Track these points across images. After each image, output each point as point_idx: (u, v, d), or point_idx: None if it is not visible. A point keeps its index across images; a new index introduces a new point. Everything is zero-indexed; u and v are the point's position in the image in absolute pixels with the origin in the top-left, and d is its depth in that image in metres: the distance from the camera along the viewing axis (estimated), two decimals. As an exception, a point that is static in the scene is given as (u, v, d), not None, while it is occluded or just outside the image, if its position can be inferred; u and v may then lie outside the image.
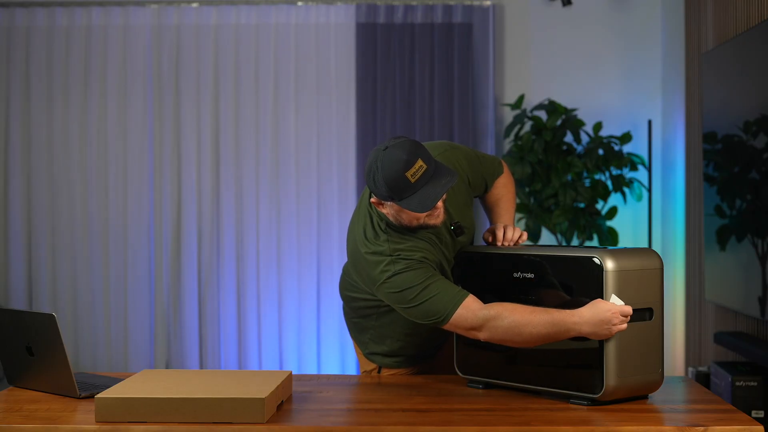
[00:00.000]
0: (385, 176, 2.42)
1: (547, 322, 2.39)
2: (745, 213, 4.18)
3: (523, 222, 5.43)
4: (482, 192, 2.89)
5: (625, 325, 2.34)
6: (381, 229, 2.60)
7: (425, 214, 2.51)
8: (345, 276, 2.93)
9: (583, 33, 5.72)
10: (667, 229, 5.56)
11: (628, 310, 2.34)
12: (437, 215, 2.55)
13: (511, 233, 2.72)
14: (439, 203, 2.53)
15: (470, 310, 2.48)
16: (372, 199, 2.55)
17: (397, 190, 2.43)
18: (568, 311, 2.37)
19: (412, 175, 2.41)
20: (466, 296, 2.50)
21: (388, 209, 2.53)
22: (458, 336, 2.70)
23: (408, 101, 5.67)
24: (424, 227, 2.57)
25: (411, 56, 5.66)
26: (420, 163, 2.41)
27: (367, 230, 2.62)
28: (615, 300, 2.35)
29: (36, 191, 5.72)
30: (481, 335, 2.48)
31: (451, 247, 2.71)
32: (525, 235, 2.74)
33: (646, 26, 5.69)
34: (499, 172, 2.91)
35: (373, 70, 5.66)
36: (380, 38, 5.65)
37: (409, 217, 2.52)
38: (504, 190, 2.91)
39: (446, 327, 2.51)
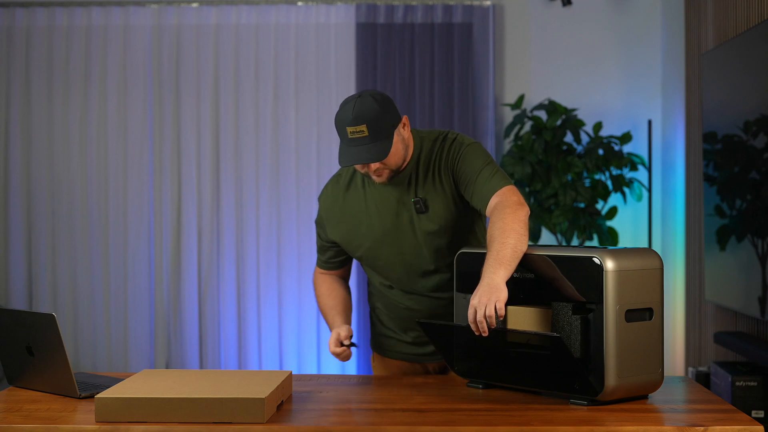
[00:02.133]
0: (336, 118, 2.66)
1: (324, 315, 2.98)
2: (745, 213, 4.18)
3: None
4: (474, 207, 2.79)
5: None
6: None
7: (363, 167, 2.69)
8: None
9: (583, 33, 5.72)
10: (667, 229, 5.56)
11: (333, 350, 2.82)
12: (378, 174, 2.70)
13: (482, 312, 2.36)
14: (376, 168, 2.67)
15: (316, 273, 3.06)
16: None
17: (339, 134, 2.66)
18: (335, 322, 2.93)
19: (351, 133, 2.62)
20: (321, 268, 3.02)
21: None
22: (457, 339, 2.70)
23: (408, 101, 5.67)
24: (369, 177, 2.76)
25: (411, 56, 5.66)
26: (362, 128, 2.60)
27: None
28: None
29: (36, 191, 5.72)
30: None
31: (405, 219, 2.78)
32: (501, 309, 2.37)
33: (646, 26, 5.70)
34: (488, 198, 2.63)
35: (373, 70, 5.66)
36: (380, 38, 5.65)
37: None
38: (495, 232, 2.50)
39: None
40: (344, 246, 2.90)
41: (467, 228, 2.83)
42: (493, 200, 2.62)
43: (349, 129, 2.61)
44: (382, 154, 2.62)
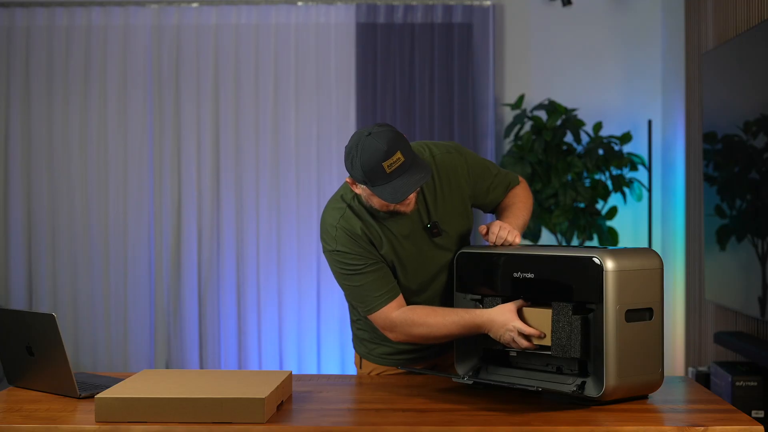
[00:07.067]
0: (363, 162, 2.49)
1: (456, 324, 2.57)
2: (745, 213, 4.18)
3: (523, 222, 5.42)
4: (488, 204, 2.86)
5: (524, 344, 2.47)
6: (350, 197, 2.70)
7: (389, 204, 2.58)
8: None
9: (583, 33, 5.72)
10: (667, 229, 5.56)
11: (531, 332, 2.47)
12: (407, 203, 2.61)
13: (505, 233, 2.67)
14: (411, 195, 2.59)
15: (387, 314, 2.64)
16: (347, 179, 2.63)
17: (373, 176, 2.49)
18: (477, 312, 2.54)
19: (388, 166, 2.47)
20: (390, 301, 2.64)
21: (361, 191, 2.60)
22: (458, 342, 2.70)
23: (408, 101, 5.67)
24: (394, 213, 2.64)
25: (411, 56, 5.66)
26: (398, 155, 2.48)
27: (342, 194, 2.72)
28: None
29: (36, 191, 5.72)
30: (391, 336, 2.67)
31: (425, 245, 2.71)
32: (518, 239, 2.68)
33: (646, 26, 5.70)
34: (514, 184, 2.88)
35: (373, 70, 5.66)
36: (380, 38, 5.65)
37: (380, 202, 2.59)
38: (516, 200, 2.85)
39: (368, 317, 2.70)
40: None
41: (469, 229, 2.84)
42: (517, 188, 2.90)
43: (386, 163, 2.45)
44: (428, 171, 2.52)
